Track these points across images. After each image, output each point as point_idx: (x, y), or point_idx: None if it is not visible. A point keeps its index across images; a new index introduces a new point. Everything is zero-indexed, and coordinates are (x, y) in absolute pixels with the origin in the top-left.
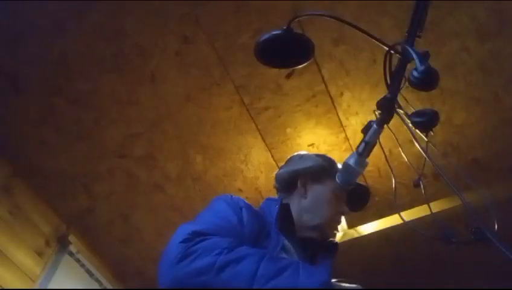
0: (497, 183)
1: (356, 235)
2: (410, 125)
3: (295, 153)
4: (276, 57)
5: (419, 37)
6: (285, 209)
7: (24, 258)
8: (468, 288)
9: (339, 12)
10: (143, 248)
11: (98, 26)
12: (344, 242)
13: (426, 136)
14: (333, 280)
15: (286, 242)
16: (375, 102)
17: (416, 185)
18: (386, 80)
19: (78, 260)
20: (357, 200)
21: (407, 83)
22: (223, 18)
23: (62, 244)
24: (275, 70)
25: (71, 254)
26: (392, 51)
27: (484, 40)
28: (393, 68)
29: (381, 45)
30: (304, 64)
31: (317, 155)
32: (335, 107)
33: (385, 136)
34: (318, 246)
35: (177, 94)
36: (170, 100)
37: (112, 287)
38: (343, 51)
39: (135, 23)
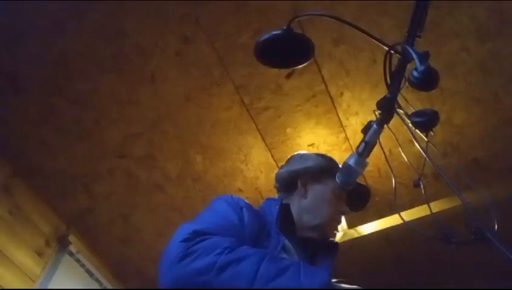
0: (497, 183)
1: (356, 235)
2: (410, 125)
3: (295, 153)
4: (276, 57)
5: (419, 37)
6: (285, 209)
7: (24, 258)
8: (468, 288)
9: (339, 12)
10: (143, 248)
11: (98, 26)
12: (344, 242)
13: (426, 136)
14: (333, 280)
15: (286, 242)
16: (375, 102)
17: (416, 185)
18: (386, 80)
19: (78, 260)
20: (358, 200)
21: (407, 83)
22: (223, 18)
23: (62, 244)
24: (275, 70)
25: (71, 254)
26: (392, 51)
27: (484, 40)
28: (393, 68)
29: (381, 45)
30: (304, 64)
31: (318, 155)
32: (335, 107)
33: (385, 136)
34: (318, 246)
35: (177, 94)
36: (170, 100)
37: (111, 287)
38: (343, 51)
39: (135, 23)
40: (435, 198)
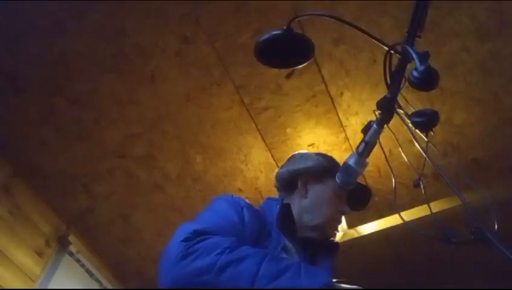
0: (497, 183)
1: (356, 235)
2: (410, 125)
3: (296, 152)
4: (276, 57)
5: (419, 37)
6: (286, 209)
7: (24, 258)
8: (468, 288)
9: (339, 12)
10: (143, 248)
11: (98, 26)
12: (344, 242)
13: (426, 136)
14: (333, 280)
15: (287, 242)
16: (375, 102)
17: (416, 185)
18: (386, 80)
19: (78, 260)
20: (358, 199)
21: (407, 83)
22: (223, 18)
23: (62, 244)
24: (275, 70)
25: (71, 254)
26: (392, 51)
27: (484, 40)
28: (393, 68)
29: (381, 45)
30: (304, 64)
31: (318, 154)
32: (335, 107)
33: (385, 136)
34: (318, 246)
35: (177, 94)
36: (170, 100)
37: (112, 287)
38: (343, 51)
39: (135, 23)
40: (435, 198)
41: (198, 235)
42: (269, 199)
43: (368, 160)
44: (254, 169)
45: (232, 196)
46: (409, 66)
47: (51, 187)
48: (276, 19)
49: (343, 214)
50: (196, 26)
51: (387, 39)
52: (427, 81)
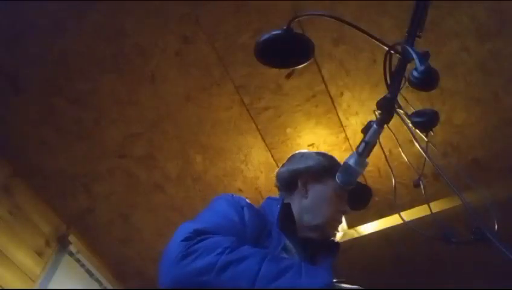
0: (497, 183)
1: (356, 235)
2: (410, 125)
3: (296, 152)
4: (276, 57)
5: (419, 37)
6: (286, 209)
7: (24, 258)
8: (468, 288)
9: (339, 12)
10: (143, 248)
11: (98, 26)
12: (344, 242)
13: (426, 136)
14: (334, 281)
15: (287, 242)
16: (375, 102)
17: (416, 185)
18: (386, 80)
19: (78, 260)
20: (359, 199)
21: (407, 83)
22: (223, 18)
23: (62, 244)
24: (275, 70)
25: (71, 254)
26: (392, 51)
27: (484, 40)
28: (393, 68)
29: (381, 45)
30: (304, 64)
31: (319, 154)
32: (335, 107)
33: (385, 136)
34: (319, 246)
35: (177, 94)
36: (170, 100)
37: (112, 287)
38: (343, 51)
39: (135, 23)
40: (435, 198)
41: (198, 234)
42: (269, 198)
43: (368, 160)
44: (254, 169)
45: (233, 195)
46: (409, 66)
47: (51, 187)
48: (276, 19)
49: (344, 214)
50: (196, 26)
51: (387, 39)
52: (427, 81)
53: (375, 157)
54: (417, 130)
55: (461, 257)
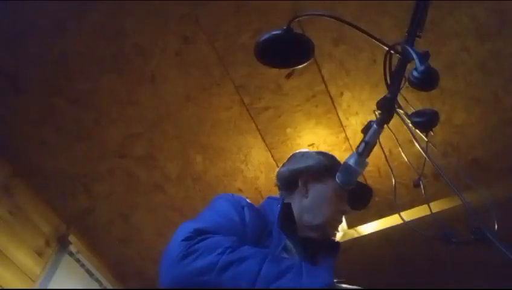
0: (497, 183)
1: (356, 235)
2: (410, 125)
3: (297, 151)
4: (276, 57)
5: (419, 37)
6: (287, 209)
7: (24, 258)
8: (468, 288)
9: (339, 12)
10: (143, 248)
11: (98, 26)
12: (344, 242)
13: (426, 136)
14: (334, 281)
15: (287, 242)
16: (375, 102)
17: (416, 185)
18: (386, 80)
19: (78, 260)
20: (359, 198)
21: (407, 83)
22: (223, 18)
23: (62, 244)
24: (275, 70)
25: (71, 254)
26: (392, 51)
27: (484, 40)
28: (393, 68)
29: (381, 45)
30: (304, 64)
31: (319, 153)
32: (335, 107)
33: (385, 136)
34: (319, 246)
35: (177, 94)
36: (170, 100)
37: (111, 287)
38: (343, 51)
39: (135, 23)
40: (435, 198)
41: (199, 234)
42: (270, 198)
43: (368, 160)
44: (254, 169)
45: (233, 195)
46: (409, 66)
47: (51, 187)
48: (276, 19)
49: (344, 214)
50: (196, 26)
51: (387, 39)
52: (427, 81)
53: (375, 157)
54: (417, 130)
55: (461, 257)
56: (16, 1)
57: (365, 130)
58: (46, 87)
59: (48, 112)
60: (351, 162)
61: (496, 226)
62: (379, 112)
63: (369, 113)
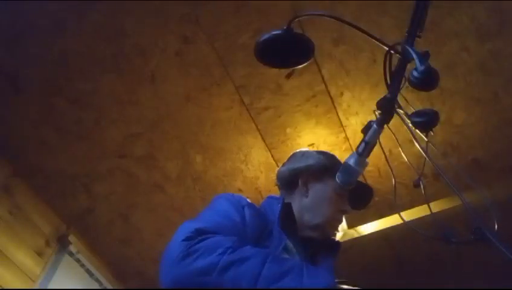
0: (497, 183)
1: (356, 235)
2: (410, 125)
3: (297, 150)
4: (276, 57)
5: (419, 37)
6: (287, 208)
7: (24, 258)
8: (468, 288)
9: (339, 12)
10: (143, 248)
11: (98, 26)
12: (344, 242)
13: (426, 136)
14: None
15: (288, 241)
16: (375, 102)
17: (416, 185)
18: (386, 80)
19: (78, 260)
20: (360, 198)
21: (407, 83)
22: (223, 18)
23: (62, 244)
24: (275, 70)
25: (71, 254)
26: (392, 51)
27: (484, 40)
28: (393, 68)
29: (381, 45)
30: (304, 64)
31: (319, 153)
32: (335, 107)
33: (385, 136)
34: (319, 245)
35: (177, 94)
36: (170, 100)
37: (111, 287)
38: (343, 51)
39: (135, 23)
40: (435, 198)
41: (199, 234)
42: (270, 197)
43: (368, 160)
44: (254, 169)
45: (233, 195)
46: (409, 66)
47: (51, 187)
48: (276, 19)
49: (345, 214)
50: (196, 26)
51: (387, 39)
52: (427, 81)
53: (375, 157)
54: (417, 130)
55: (461, 257)
56: (16, 1)
57: (365, 130)
58: (46, 87)
59: (47, 112)
60: (351, 162)
61: (496, 226)
62: (379, 112)
63: (369, 113)
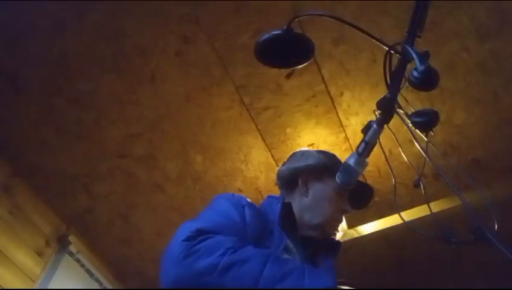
0: (497, 183)
1: (356, 235)
2: (410, 125)
3: (297, 150)
4: (276, 57)
5: (419, 37)
6: (287, 208)
7: (24, 258)
8: (468, 288)
9: (339, 12)
10: (143, 248)
11: (98, 26)
12: (344, 242)
13: (426, 136)
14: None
15: (288, 241)
16: (375, 102)
17: (416, 185)
18: (386, 80)
19: (78, 260)
20: (360, 198)
21: (407, 83)
22: (223, 18)
23: (62, 244)
24: (275, 70)
25: (71, 254)
26: (392, 51)
27: (484, 40)
28: (393, 68)
29: (381, 45)
30: (304, 64)
31: (320, 152)
32: (335, 107)
33: (385, 136)
34: (320, 245)
35: (177, 94)
36: (170, 100)
37: (111, 287)
38: (343, 51)
39: (135, 23)
40: (435, 198)
41: (200, 234)
42: (270, 197)
43: (368, 160)
44: (254, 169)
45: (233, 194)
46: (409, 66)
47: (51, 187)
48: (276, 19)
49: (345, 213)
50: (196, 26)
51: (387, 39)
52: (427, 81)
53: (375, 157)
54: (417, 130)
55: (461, 257)
56: (16, 1)
57: (365, 130)
58: (46, 87)
59: (47, 112)
60: (351, 162)
61: (496, 226)
62: (379, 112)
63: (369, 113)
